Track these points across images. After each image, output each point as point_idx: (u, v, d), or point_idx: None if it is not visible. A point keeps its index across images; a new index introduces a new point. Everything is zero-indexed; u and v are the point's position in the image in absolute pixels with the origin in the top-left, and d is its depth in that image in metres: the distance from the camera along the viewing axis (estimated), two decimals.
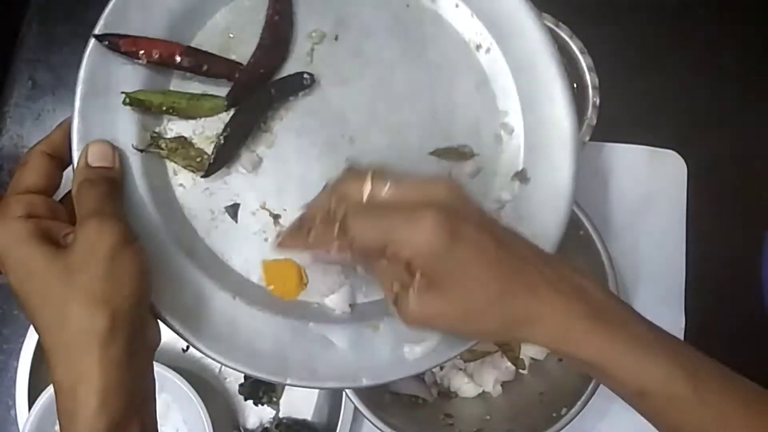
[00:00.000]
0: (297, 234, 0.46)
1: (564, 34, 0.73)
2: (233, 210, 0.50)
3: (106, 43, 0.47)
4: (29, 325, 0.71)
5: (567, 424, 0.66)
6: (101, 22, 0.47)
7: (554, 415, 0.66)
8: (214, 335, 0.48)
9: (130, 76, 0.48)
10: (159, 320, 0.46)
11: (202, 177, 0.49)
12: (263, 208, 0.50)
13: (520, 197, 0.52)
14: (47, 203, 0.45)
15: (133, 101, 0.47)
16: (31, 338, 0.71)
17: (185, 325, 0.47)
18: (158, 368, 0.68)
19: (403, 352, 0.49)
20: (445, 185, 0.43)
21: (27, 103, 0.81)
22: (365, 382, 0.49)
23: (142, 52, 0.47)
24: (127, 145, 0.47)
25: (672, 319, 0.77)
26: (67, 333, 0.41)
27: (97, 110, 0.47)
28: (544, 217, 0.51)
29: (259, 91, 0.50)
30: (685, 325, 0.77)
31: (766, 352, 0.77)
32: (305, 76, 0.50)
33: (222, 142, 0.49)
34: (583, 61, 0.73)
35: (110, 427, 0.40)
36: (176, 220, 0.49)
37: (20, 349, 0.71)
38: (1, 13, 0.81)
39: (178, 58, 0.48)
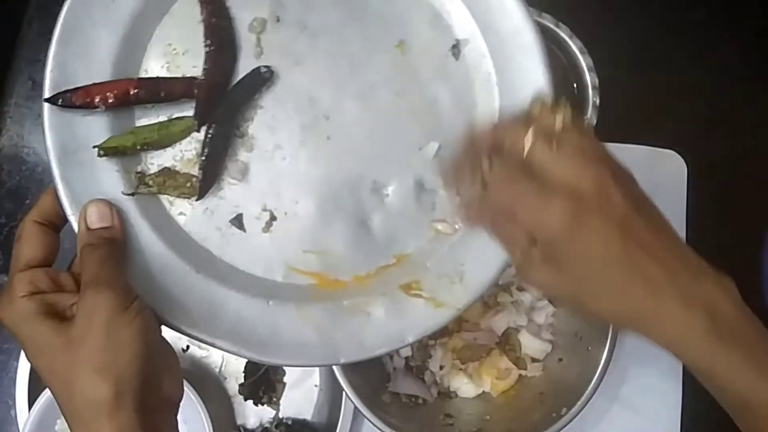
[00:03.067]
0: (456, 170, 0.48)
1: (564, 34, 0.73)
2: (238, 221, 0.50)
3: (60, 102, 0.46)
4: None
5: (567, 424, 0.66)
6: (47, 84, 0.46)
7: (554, 415, 0.66)
8: (260, 343, 0.48)
9: (95, 126, 0.47)
10: (209, 345, 0.47)
11: (196, 200, 0.49)
12: (265, 209, 0.50)
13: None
14: (49, 276, 0.46)
15: (108, 151, 0.47)
16: None
17: (231, 341, 0.48)
18: None
19: None
20: (595, 174, 0.43)
21: (27, 103, 0.81)
22: (410, 339, 0.50)
23: (97, 99, 0.46)
24: (116, 193, 0.47)
25: None
26: (77, 404, 0.42)
27: (76, 170, 0.47)
28: None
29: (223, 99, 0.49)
30: None
31: None
32: (263, 70, 0.49)
33: (205, 160, 0.48)
34: (583, 61, 0.73)
35: None
36: (189, 248, 0.49)
37: (20, 349, 0.71)
38: (1, 13, 0.81)
39: (133, 93, 0.47)
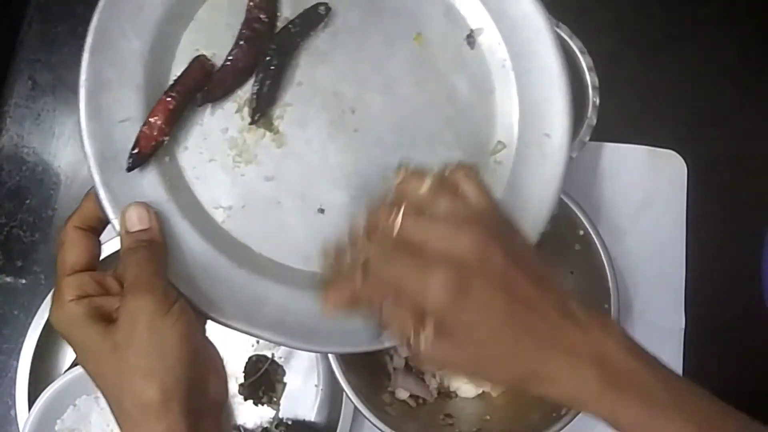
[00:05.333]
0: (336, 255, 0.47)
1: (564, 34, 0.73)
2: (274, 216, 0.51)
3: (132, 163, 0.47)
4: (29, 325, 0.71)
5: (567, 424, 0.66)
6: (82, 94, 0.47)
7: (554, 415, 0.66)
8: (306, 332, 0.49)
9: (132, 131, 0.48)
10: (255, 336, 0.48)
11: (251, 120, 0.50)
12: (299, 203, 0.51)
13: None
14: (95, 279, 0.46)
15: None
16: (31, 338, 0.71)
17: (276, 332, 0.48)
18: None
19: None
20: (470, 237, 0.43)
21: (27, 103, 0.81)
22: (386, 344, 0.50)
23: (154, 141, 0.47)
24: (156, 195, 0.48)
25: (672, 319, 0.77)
26: (126, 407, 0.43)
27: (115, 175, 0.47)
28: (540, 107, 0.54)
29: (280, 36, 0.51)
30: (685, 325, 0.77)
31: (766, 352, 0.77)
32: (320, 8, 0.51)
33: (259, 87, 0.50)
34: (583, 61, 0.73)
35: None
36: (230, 245, 0.49)
37: (20, 349, 0.71)
38: (1, 13, 0.81)
39: (173, 107, 0.48)
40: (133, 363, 0.42)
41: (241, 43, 0.50)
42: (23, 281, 0.78)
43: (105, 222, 0.48)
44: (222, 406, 0.47)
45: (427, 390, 0.73)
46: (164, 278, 0.45)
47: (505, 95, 0.54)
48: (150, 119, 0.47)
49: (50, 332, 0.72)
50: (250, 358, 0.75)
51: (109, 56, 0.48)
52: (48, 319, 0.71)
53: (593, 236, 0.68)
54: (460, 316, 0.42)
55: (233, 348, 0.75)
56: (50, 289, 0.72)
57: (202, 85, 0.49)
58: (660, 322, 0.77)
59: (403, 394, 0.72)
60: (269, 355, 0.75)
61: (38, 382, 0.70)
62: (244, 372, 0.75)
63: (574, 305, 0.45)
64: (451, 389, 0.74)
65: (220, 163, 0.50)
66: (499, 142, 0.54)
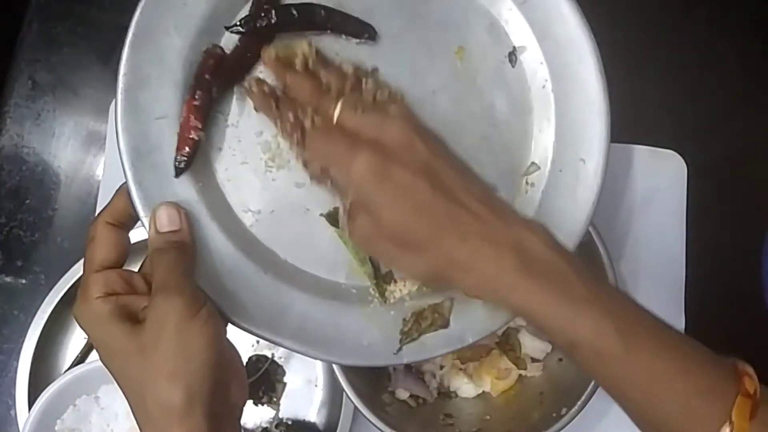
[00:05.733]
0: (266, 103, 0.48)
1: None
2: (302, 224, 0.51)
3: (182, 167, 0.47)
4: (29, 325, 0.71)
5: (567, 424, 0.66)
6: (120, 87, 0.47)
7: (554, 415, 0.66)
8: (325, 343, 0.49)
9: (168, 128, 0.48)
10: (276, 344, 0.48)
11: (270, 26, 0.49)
12: (329, 212, 0.50)
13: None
14: (122, 277, 0.46)
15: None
16: (31, 338, 0.71)
17: (297, 341, 0.48)
18: None
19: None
20: (398, 126, 0.45)
21: (27, 103, 0.81)
22: (470, 340, 0.51)
23: (191, 140, 0.47)
24: (187, 195, 0.48)
25: (672, 319, 0.76)
26: (149, 408, 0.42)
27: (148, 172, 0.47)
28: (578, 131, 0.53)
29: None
30: (685, 325, 0.77)
31: (766, 352, 0.77)
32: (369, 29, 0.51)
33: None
34: None
35: None
36: (257, 249, 0.49)
37: (20, 349, 0.71)
38: (1, 13, 0.81)
39: (199, 104, 0.48)
40: (159, 365, 0.42)
41: (260, 32, 0.49)
42: (23, 281, 0.78)
43: (135, 219, 0.47)
44: (241, 410, 0.47)
45: (427, 390, 0.73)
46: (192, 280, 0.45)
47: (543, 117, 0.53)
48: (182, 119, 0.47)
49: (50, 332, 0.72)
50: (250, 358, 0.75)
51: (150, 52, 0.47)
52: (47, 317, 0.71)
53: (593, 236, 0.68)
54: (381, 194, 0.44)
55: None
56: (50, 289, 0.72)
57: (217, 72, 0.48)
58: None
59: (403, 394, 0.72)
60: (269, 355, 0.75)
61: (38, 382, 0.70)
62: None
63: (498, 199, 0.47)
64: (451, 389, 0.74)
65: (252, 167, 0.49)
66: (533, 163, 0.53)
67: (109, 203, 0.48)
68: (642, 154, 0.80)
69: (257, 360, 0.75)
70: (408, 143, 0.45)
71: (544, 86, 0.53)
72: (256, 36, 0.49)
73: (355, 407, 0.66)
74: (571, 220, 0.52)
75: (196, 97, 0.47)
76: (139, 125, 0.47)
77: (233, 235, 0.49)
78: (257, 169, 0.50)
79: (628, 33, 0.82)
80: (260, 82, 0.48)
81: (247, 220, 0.49)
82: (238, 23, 0.49)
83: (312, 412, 0.76)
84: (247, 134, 0.50)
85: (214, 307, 0.45)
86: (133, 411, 0.44)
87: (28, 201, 0.79)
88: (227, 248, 0.48)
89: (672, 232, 0.79)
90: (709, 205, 0.80)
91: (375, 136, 0.45)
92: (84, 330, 0.45)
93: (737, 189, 0.81)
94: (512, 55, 0.53)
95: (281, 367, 0.76)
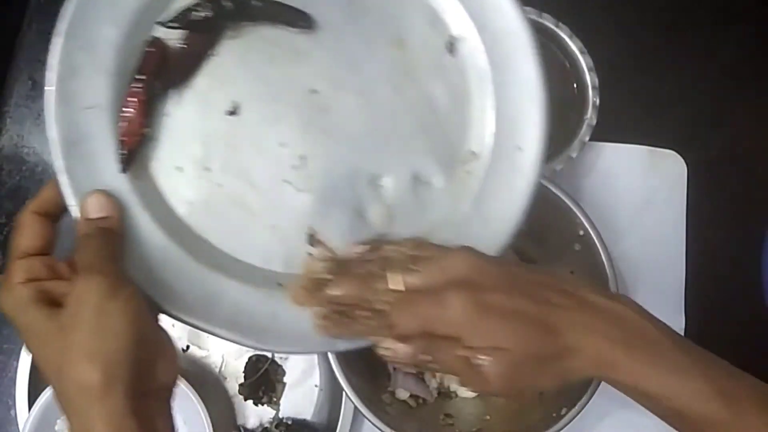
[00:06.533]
0: (339, 322, 0.48)
1: (564, 34, 0.73)
2: (238, 211, 0.50)
3: (123, 163, 0.47)
4: None
5: (567, 424, 0.66)
6: (52, 77, 0.46)
7: (554, 415, 0.66)
8: (259, 331, 0.49)
9: (100, 118, 0.47)
10: (208, 333, 0.48)
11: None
12: (265, 201, 0.50)
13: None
14: (45, 264, 0.46)
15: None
16: None
17: (229, 329, 0.48)
18: None
19: None
20: (460, 256, 0.46)
21: (27, 103, 0.81)
22: (341, 348, 0.51)
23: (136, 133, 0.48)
24: (117, 184, 0.47)
25: (672, 319, 0.75)
26: (69, 389, 0.42)
27: (78, 161, 0.47)
28: (516, 120, 0.53)
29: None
30: (685, 325, 0.77)
31: (766, 352, 0.77)
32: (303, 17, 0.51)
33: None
34: (583, 61, 0.73)
35: None
36: (189, 238, 0.49)
37: (20, 349, 0.71)
38: (1, 13, 0.81)
39: (138, 97, 0.48)
40: (77, 345, 0.41)
41: (196, 26, 0.49)
42: None
43: (63, 209, 0.47)
44: (171, 389, 0.46)
45: (427, 390, 0.73)
46: (118, 265, 0.45)
47: (482, 106, 0.53)
48: (125, 112, 0.47)
49: None
50: (250, 358, 0.75)
51: (83, 41, 0.47)
52: None
53: (593, 236, 0.68)
54: (493, 325, 0.45)
55: (233, 348, 0.75)
56: None
57: (162, 69, 0.48)
58: None
59: (403, 394, 0.72)
60: (269, 355, 0.75)
61: (38, 382, 0.70)
62: (244, 372, 0.75)
63: (584, 284, 0.47)
64: (451, 389, 0.74)
65: (187, 157, 0.49)
66: (472, 152, 0.53)
67: (38, 194, 0.48)
68: (642, 154, 0.80)
69: (257, 360, 0.75)
70: (479, 267, 0.46)
71: (482, 76, 0.53)
72: (193, 30, 0.49)
73: (355, 407, 0.66)
74: (506, 211, 0.53)
75: (140, 91, 0.47)
76: (70, 114, 0.47)
77: (166, 225, 0.48)
78: (192, 159, 0.49)
79: (628, 33, 0.82)
80: (327, 317, 0.49)
81: (182, 210, 0.49)
82: (171, 19, 0.49)
83: (312, 412, 0.76)
84: (182, 125, 0.49)
85: (138, 290, 0.44)
86: (54, 393, 0.43)
87: (27, 201, 0.79)
88: (159, 238, 0.48)
89: (672, 232, 0.79)
90: (709, 205, 0.80)
91: (447, 278, 0.46)
92: (7, 316, 0.45)
93: (737, 189, 0.81)
94: (451, 45, 0.53)
95: (281, 367, 0.76)
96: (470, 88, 0.54)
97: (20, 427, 0.69)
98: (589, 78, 0.73)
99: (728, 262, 0.80)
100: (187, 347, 0.75)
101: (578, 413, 0.66)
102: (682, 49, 0.82)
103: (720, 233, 0.80)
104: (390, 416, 0.67)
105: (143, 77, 0.48)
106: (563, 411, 0.66)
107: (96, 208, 0.46)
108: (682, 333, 0.76)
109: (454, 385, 0.74)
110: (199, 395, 0.69)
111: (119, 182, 0.47)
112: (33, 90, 0.81)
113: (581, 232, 0.69)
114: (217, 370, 0.76)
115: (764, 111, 0.82)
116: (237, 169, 0.50)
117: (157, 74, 0.48)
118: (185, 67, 0.50)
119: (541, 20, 0.73)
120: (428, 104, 0.53)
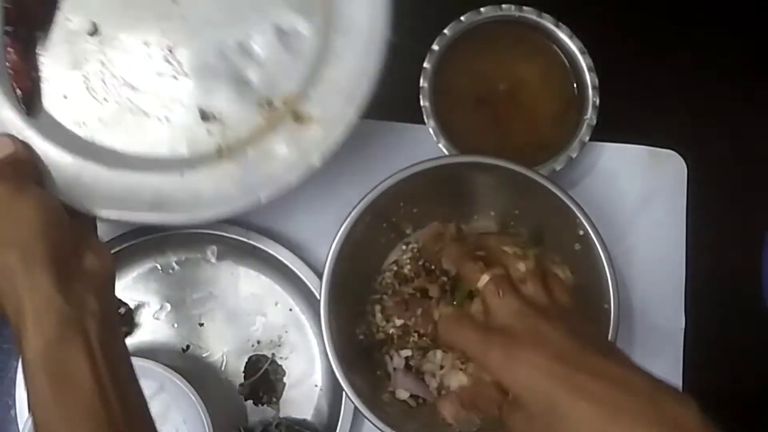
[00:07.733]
0: (400, 309, 0.61)
1: (564, 34, 0.73)
2: (134, 117, 0.56)
3: (26, 107, 0.56)
4: None
5: None
6: None
7: None
8: (185, 208, 0.54)
9: None
10: (138, 222, 0.58)
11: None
12: (154, 102, 0.56)
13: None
14: None
15: None
16: None
17: (155, 213, 0.54)
18: (158, 368, 0.68)
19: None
20: (529, 317, 0.51)
21: None
22: (317, 162, 0.56)
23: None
24: (17, 127, 0.54)
25: (672, 319, 0.77)
26: None
27: None
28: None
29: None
30: (685, 325, 0.77)
31: (766, 352, 0.77)
32: None
33: None
34: (583, 61, 0.73)
35: (47, 344, 0.46)
36: (96, 152, 0.55)
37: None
38: None
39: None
40: None
41: None
42: None
43: None
44: (104, 280, 0.52)
45: (427, 390, 0.73)
46: (26, 175, 0.52)
47: None
48: (9, 64, 0.54)
49: None
50: (250, 358, 0.75)
51: None
52: None
53: (593, 236, 0.68)
54: (516, 383, 0.48)
55: (234, 348, 0.75)
56: None
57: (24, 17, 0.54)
58: (660, 322, 0.77)
59: (403, 394, 0.72)
60: (269, 355, 0.75)
61: None
62: (244, 372, 0.75)
63: (646, 374, 0.46)
64: (452, 389, 0.74)
65: (68, 84, 0.55)
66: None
67: None
68: (642, 154, 0.80)
69: (257, 360, 0.75)
70: (536, 331, 0.49)
71: None
72: None
73: (355, 407, 0.66)
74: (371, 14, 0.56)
75: (13, 42, 0.54)
76: None
77: (70, 148, 0.54)
78: (73, 84, 0.55)
79: (628, 33, 0.82)
80: (396, 293, 0.59)
81: (82, 132, 0.55)
82: None
83: (312, 412, 0.76)
84: (56, 58, 0.55)
85: (45, 191, 0.52)
86: None
87: None
88: (66, 159, 0.54)
89: (672, 232, 0.79)
90: (709, 205, 0.80)
91: (506, 324, 0.51)
92: None
93: (737, 189, 0.81)
94: None
95: (281, 367, 0.76)
96: None
97: (20, 427, 0.70)
98: (589, 78, 0.73)
99: (728, 262, 0.80)
100: (187, 347, 0.75)
101: None
102: (682, 48, 0.82)
103: (720, 233, 0.80)
104: (390, 416, 0.67)
105: (10, 29, 0.54)
106: None
107: (2, 147, 0.53)
108: (682, 333, 0.76)
109: (454, 385, 0.74)
110: (199, 395, 0.69)
111: (15, 123, 0.54)
112: None
113: (581, 232, 0.69)
114: (217, 370, 0.76)
115: (764, 111, 0.82)
116: (115, 80, 0.56)
117: (22, 23, 0.54)
118: (43, 7, 0.55)
119: (541, 20, 0.73)
120: None
